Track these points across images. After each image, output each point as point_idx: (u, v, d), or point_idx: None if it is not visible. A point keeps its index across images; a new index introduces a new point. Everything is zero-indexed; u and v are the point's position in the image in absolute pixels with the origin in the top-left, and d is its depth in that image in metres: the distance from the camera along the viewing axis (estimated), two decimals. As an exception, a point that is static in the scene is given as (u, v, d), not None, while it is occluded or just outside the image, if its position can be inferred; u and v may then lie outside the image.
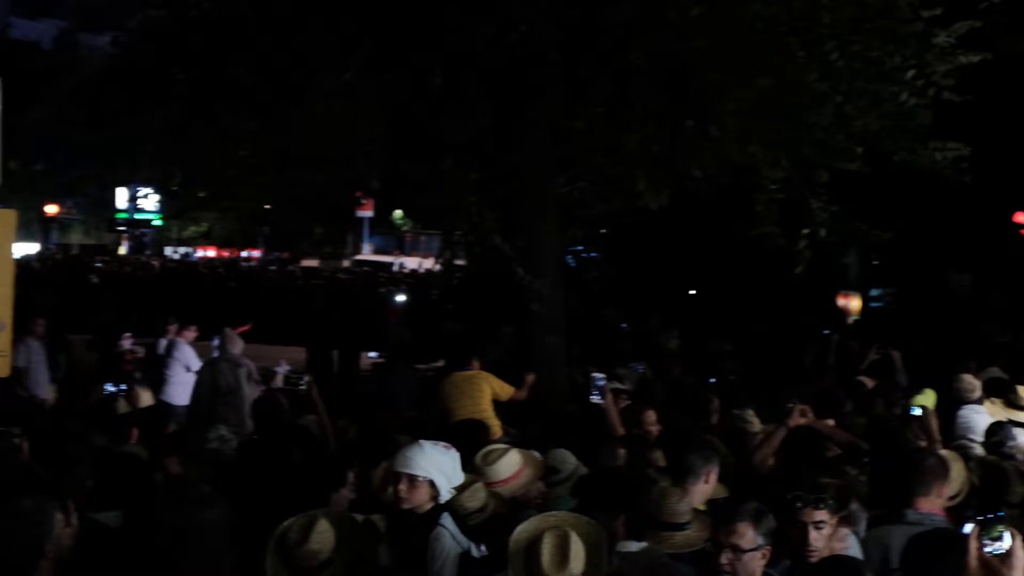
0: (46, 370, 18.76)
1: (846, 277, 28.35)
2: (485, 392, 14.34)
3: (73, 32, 69.48)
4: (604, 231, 26.84)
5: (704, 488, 8.68)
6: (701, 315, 26.79)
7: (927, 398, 14.10)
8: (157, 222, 78.32)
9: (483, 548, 7.33)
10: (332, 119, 15.57)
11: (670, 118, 15.25)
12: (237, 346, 17.12)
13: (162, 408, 16.69)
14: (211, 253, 77.23)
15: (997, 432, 12.25)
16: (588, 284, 27.00)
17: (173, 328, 19.90)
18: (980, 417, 13.74)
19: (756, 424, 12.27)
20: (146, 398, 17.42)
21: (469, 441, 9.75)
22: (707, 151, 15.53)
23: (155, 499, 6.77)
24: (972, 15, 15.47)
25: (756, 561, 6.62)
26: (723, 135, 15.15)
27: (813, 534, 7.20)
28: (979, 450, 11.42)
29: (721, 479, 9.21)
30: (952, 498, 9.02)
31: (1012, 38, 19.26)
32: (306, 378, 12.01)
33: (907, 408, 12.71)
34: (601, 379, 11.93)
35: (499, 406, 14.58)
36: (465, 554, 7.22)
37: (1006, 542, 4.76)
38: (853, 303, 25.03)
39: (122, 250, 76.06)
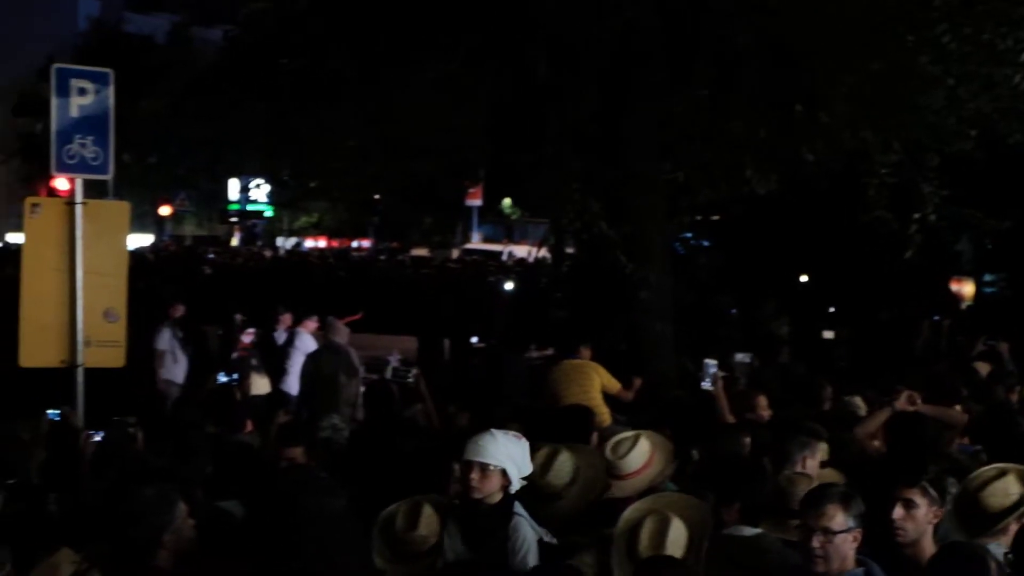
0: (184, 356, 19.02)
1: (959, 262, 27.95)
2: (594, 381, 14.29)
3: (186, 26, 70.42)
4: (714, 218, 26.71)
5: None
6: (812, 302, 26.59)
7: None
8: (268, 213, 79.02)
9: (552, 537, 7.27)
10: (437, 109, 15.66)
11: (778, 103, 15.15)
12: (341, 335, 17.20)
13: (278, 397, 16.91)
14: (321, 243, 77.78)
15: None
16: (697, 271, 26.84)
17: (286, 319, 20.07)
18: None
19: (865, 411, 12.16)
20: (261, 386, 17.65)
21: (577, 426, 9.75)
22: (817, 136, 15.41)
23: (276, 487, 6.83)
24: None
25: (848, 544, 6.53)
26: (833, 120, 15.02)
27: (899, 511, 7.09)
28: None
29: (835, 465, 9.16)
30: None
31: None
32: (414, 371, 12.10)
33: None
34: (712, 366, 11.89)
35: (607, 395, 14.55)
36: (542, 541, 7.17)
37: None
38: (966, 288, 24.74)
39: (234, 241, 76.82)
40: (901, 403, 10.32)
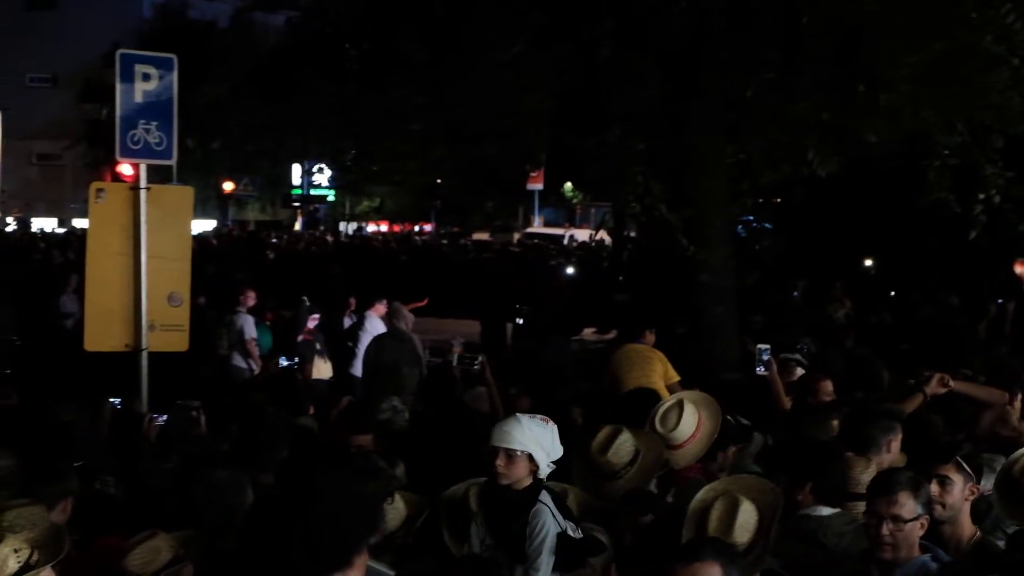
0: (255, 342, 19.14)
1: (1023, 244, 27.66)
2: (656, 368, 14.22)
3: (249, 11, 70.67)
4: (776, 200, 26.60)
5: (887, 458, 8.57)
6: (875, 285, 26.44)
7: None
8: (330, 198, 79.33)
9: (579, 531, 7.13)
10: (501, 92, 15.67)
11: (841, 84, 15.06)
12: (406, 322, 17.23)
13: (343, 382, 16.97)
14: (383, 228, 78.03)
15: None
16: (759, 254, 26.73)
17: (353, 303, 20.12)
18: None
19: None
20: (324, 371, 17.70)
21: (641, 410, 9.75)
22: (879, 117, 15.31)
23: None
24: None
25: (916, 531, 6.49)
26: (896, 101, 14.92)
27: (935, 488, 7.04)
28: None
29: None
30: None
31: None
32: (480, 358, 12.11)
33: None
34: (767, 351, 11.85)
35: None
36: (562, 534, 7.02)
37: None
38: (1031, 271, 24.46)
39: (297, 226, 77.16)
40: (932, 387, 10.25)
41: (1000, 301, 21.88)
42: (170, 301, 12.37)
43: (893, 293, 25.50)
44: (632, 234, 24.01)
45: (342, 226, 78.22)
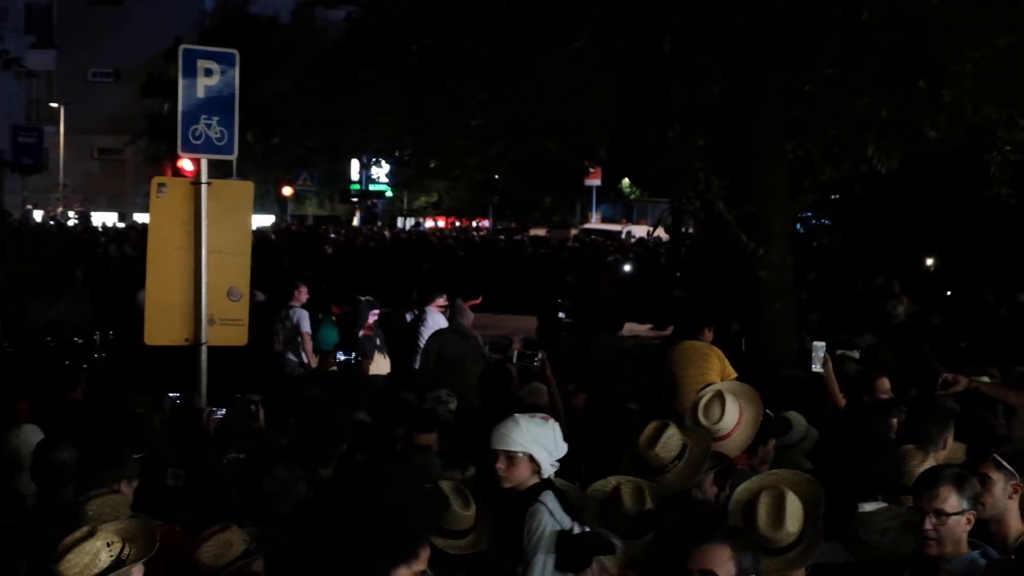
0: (309, 336, 19.22)
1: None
2: (713, 365, 14.16)
3: (310, 6, 71.04)
4: (835, 197, 26.47)
5: (943, 454, 8.55)
6: (935, 282, 26.28)
7: None
8: (388, 193, 79.55)
9: (586, 527, 7.04)
10: (562, 87, 15.68)
11: (902, 80, 14.98)
12: (467, 317, 17.24)
13: (402, 376, 17.00)
14: (441, 223, 78.20)
15: None
16: (818, 251, 26.64)
17: (414, 299, 20.18)
18: None
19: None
20: (383, 366, 17.75)
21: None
22: (940, 113, 15.21)
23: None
24: None
25: (961, 526, 6.47)
26: (957, 96, 14.83)
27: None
28: None
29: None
30: None
31: None
32: (540, 355, 12.10)
33: None
34: (821, 348, 11.81)
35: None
36: (563, 533, 6.91)
37: None
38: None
39: (355, 221, 77.40)
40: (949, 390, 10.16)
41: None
42: (229, 296, 12.40)
43: (949, 292, 25.32)
44: (689, 231, 23.99)
45: (400, 221, 78.46)
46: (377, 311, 18.59)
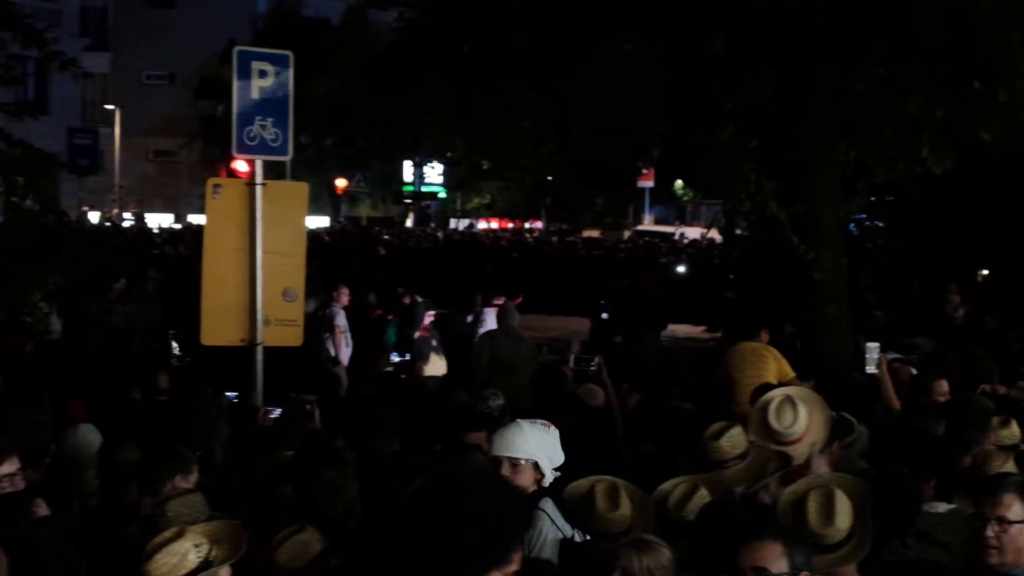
0: (351, 339, 19.29)
1: None
2: (770, 366, 14.10)
3: (362, 9, 71.23)
4: (888, 198, 26.36)
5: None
6: (990, 283, 26.12)
7: None
8: (442, 194, 79.67)
9: (587, 536, 6.86)
10: (612, 89, 15.68)
11: (955, 81, 14.91)
12: (516, 319, 17.25)
13: (459, 377, 17.00)
14: (493, 224, 78.23)
15: None
16: (872, 253, 26.54)
17: (480, 300, 20.25)
18: None
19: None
20: (439, 367, 17.77)
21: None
22: (995, 114, 15.13)
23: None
24: None
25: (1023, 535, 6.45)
26: (1012, 97, 14.75)
27: None
28: None
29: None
30: None
31: None
32: (596, 360, 12.10)
33: None
34: (876, 350, 11.77)
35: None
36: (566, 540, 6.81)
37: None
38: None
39: (408, 222, 77.55)
40: None
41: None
42: (284, 296, 12.49)
43: (1004, 294, 25.15)
44: (743, 232, 23.94)
45: (452, 223, 78.53)
46: (433, 312, 18.62)
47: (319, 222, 61.50)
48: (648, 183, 64.21)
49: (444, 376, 17.44)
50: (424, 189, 78.08)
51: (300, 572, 6.29)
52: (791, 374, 14.04)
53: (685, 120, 16.21)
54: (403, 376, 16.79)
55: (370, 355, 18.22)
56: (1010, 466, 7.60)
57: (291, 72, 12.37)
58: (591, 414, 11.10)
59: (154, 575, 5.44)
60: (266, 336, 12.31)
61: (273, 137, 12.26)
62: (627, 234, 63.21)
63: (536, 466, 7.00)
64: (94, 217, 60.49)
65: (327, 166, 65.82)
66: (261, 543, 6.50)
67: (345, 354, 19.13)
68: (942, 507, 7.29)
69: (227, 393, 11.72)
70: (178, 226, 58.52)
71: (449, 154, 27.40)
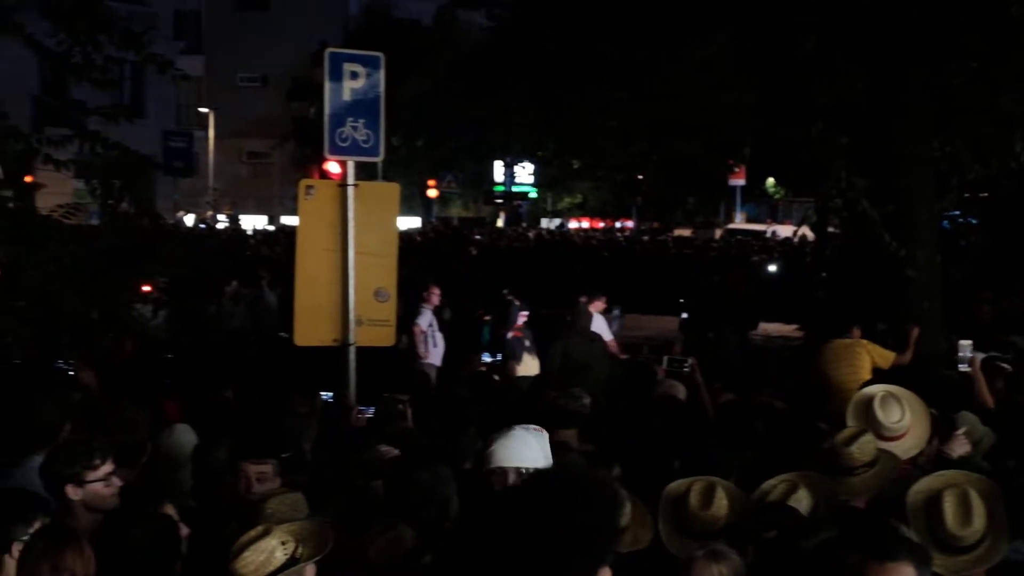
0: (441, 339, 19.34)
1: None
2: (864, 360, 14.03)
3: (451, 9, 71.47)
4: (983, 195, 26.06)
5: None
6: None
7: None
8: (532, 194, 79.66)
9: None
10: (702, 87, 15.67)
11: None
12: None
13: (546, 378, 17.02)
14: (585, 224, 78.13)
15: None
16: (966, 250, 26.24)
17: (583, 300, 20.22)
18: None
19: None
20: (532, 367, 17.76)
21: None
22: (1092, 110, 14.99)
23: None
24: None
25: None
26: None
27: None
28: None
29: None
30: None
31: None
32: (689, 361, 12.09)
33: None
34: (969, 348, 11.66)
35: (880, 374, 14.29)
36: None
37: None
38: None
39: (499, 222, 77.59)
40: None
41: None
42: (377, 296, 12.57)
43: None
44: (834, 230, 23.78)
45: (544, 222, 78.51)
46: (526, 312, 18.61)
47: (411, 223, 61.69)
48: (740, 181, 63.72)
49: (536, 376, 17.48)
50: (515, 189, 78.07)
51: (393, 569, 6.34)
52: (890, 356, 13.98)
53: (776, 117, 16.15)
54: (495, 376, 16.86)
55: (466, 355, 18.26)
56: None
57: (382, 73, 12.44)
58: (678, 414, 11.07)
59: (242, 572, 5.51)
60: (358, 336, 12.39)
61: (365, 138, 12.33)
62: (719, 233, 62.93)
63: None
64: (188, 219, 61.07)
65: (419, 167, 65.99)
66: (353, 541, 6.56)
67: (436, 354, 19.19)
68: None
69: (321, 394, 11.80)
70: (271, 227, 58.94)
71: (540, 154, 27.42)
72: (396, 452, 8.45)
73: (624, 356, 18.78)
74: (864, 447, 7.66)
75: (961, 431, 9.03)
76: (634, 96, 16.19)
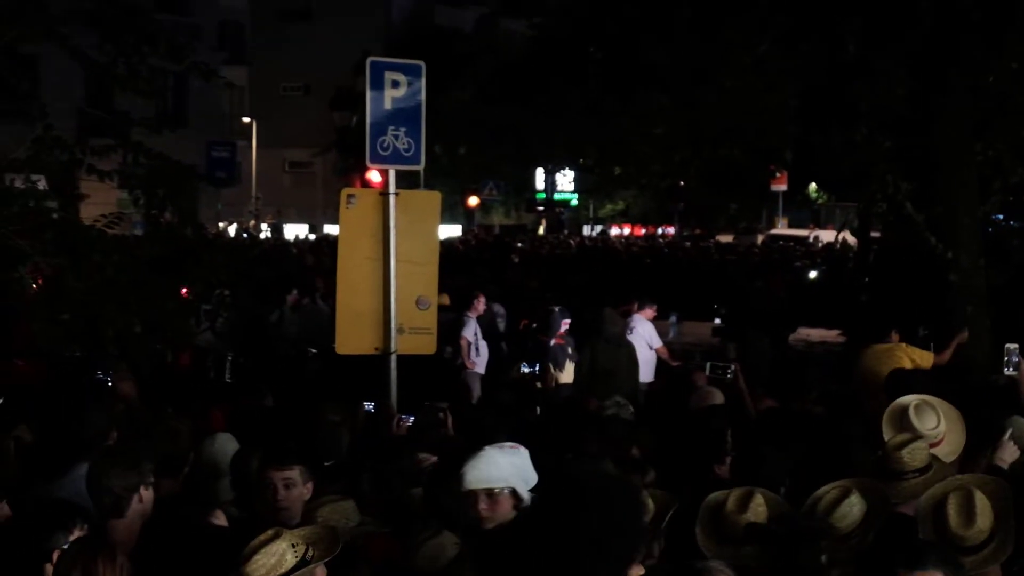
0: (485, 348, 19.37)
1: None
2: (904, 364, 14.01)
3: (493, 17, 71.56)
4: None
5: None
6: None
7: None
8: (574, 202, 79.67)
9: None
10: (746, 92, 15.66)
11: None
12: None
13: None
14: (626, 231, 78.11)
15: None
16: (1010, 253, 26.11)
17: (633, 307, 20.20)
18: None
19: None
20: (567, 375, 17.76)
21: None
22: None
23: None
24: None
25: None
26: None
27: None
28: None
29: None
30: None
31: None
32: (732, 367, 12.08)
33: None
34: (1016, 351, 11.61)
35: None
36: None
37: None
38: None
39: (541, 230, 77.60)
40: None
41: None
42: (418, 305, 12.59)
43: None
44: (876, 234, 23.71)
45: (586, 229, 78.50)
46: (569, 320, 18.59)
47: (453, 231, 61.78)
48: (781, 187, 63.51)
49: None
50: (556, 197, 78.08)
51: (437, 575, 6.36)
52: (930, 358, 13.97)
53: (818, 122, 16.13)
54: (538, 383, 16.87)
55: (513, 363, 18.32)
56: None
57: (423, 82, 12.46)
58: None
59: (254, 575, 5.56)
60: (400, 344, 12.42)
61: (406, 147, 12.36)
62: (761, 238, 62.81)
63: (514, 492, 6.56)
64: (231, 229, 61.30)
65: (460, 175, 66.08)
66: (396, 548, 6.58)
67: (480, 363, 19.21)
68: None
69: (365, 403, 11.82)
70: (312, 236, 59.12)
71: (581, 161, 27.43)
72: (435, 459, 8.48)
73: (676, 363, 18.80)
74: (915, 453, 7.62)
75: (1008, 436, 8.97)
76: (678, 102, 16.20)
